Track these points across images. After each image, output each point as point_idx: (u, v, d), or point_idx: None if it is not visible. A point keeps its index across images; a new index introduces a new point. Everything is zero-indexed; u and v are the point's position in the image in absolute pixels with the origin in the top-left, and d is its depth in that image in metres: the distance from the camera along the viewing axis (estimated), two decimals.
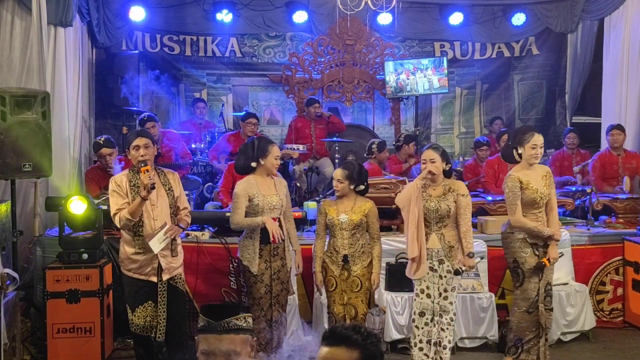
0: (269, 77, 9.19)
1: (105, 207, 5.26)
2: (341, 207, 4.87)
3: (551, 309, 4.98)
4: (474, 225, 5.74)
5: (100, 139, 6.21)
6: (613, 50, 8.25)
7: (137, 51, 8.56)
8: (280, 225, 4.79)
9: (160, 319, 4.50)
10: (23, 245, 5.61)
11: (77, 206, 5.14)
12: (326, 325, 5.01)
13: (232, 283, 5.66)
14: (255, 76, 9.34)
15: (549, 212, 4.91)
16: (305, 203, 6.49)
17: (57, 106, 6.06)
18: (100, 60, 8.18)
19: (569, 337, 5.71)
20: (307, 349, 2.71)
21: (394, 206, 4.85)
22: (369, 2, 6.52)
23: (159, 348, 4.50)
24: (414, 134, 8.71)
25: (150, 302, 4.50)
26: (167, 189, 4.58)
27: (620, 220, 6.43)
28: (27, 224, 5.81)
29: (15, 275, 4.64)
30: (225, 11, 8.63)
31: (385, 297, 5.45)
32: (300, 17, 8.83)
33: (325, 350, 1.96)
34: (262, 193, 4.72)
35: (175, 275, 4.59)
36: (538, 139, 4.82)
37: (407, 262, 4.93)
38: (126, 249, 4.51)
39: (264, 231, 4.70)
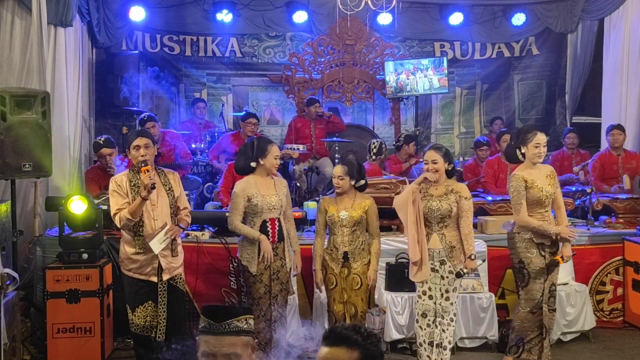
0: (269, 77, 9.19)
1: (105, 207, 5.26)
2: (341, 204, 4.87)
3: (554, 310, 4.98)
4: (474, 226, 5.73)
5: (100, 139, 6.22)
6: (613, 50, 8.24)
7: (137, 51, 8.55)
8: (280, 225, 4.80)
9: (161, 319, 4.50)
10: (23, 245, 5.61)
11: (77, 206, 5.15)
12: (326, 325, 5.01)
13: (232, 283, 5.66)
14: (255, 76, 9.33)
15: (556, 210, 4.91)
16: (305, 203, 6.50)
17: (57, 106, 6.06)
18: (100, 60, 8.17)
19: (569, 337, 5.71)
20: (307, 349, 2.70)
21: (393, 206, 4.85)
22: (369, 2, 6.52)
23: (159, 348, 4.50)
24: (414, 134, 8.71)
25: (150, 302, 4.51)
26: (168, 189, 4.59)
27: (620, 220, 6.43)
28: (27, 224, 5.81)
29: (15, 275, 4.65)
30: (225, 11, 8.63)
31: (385, 297, 5.44)
32: (300, 17, 8.82)
33: (325, 350, 1.96)
34: (261, 193, 4.72)
35: (176, 275, 4.60)
36: (541, 137, 4.82)
37: (407, 262, 4.93)
38: (126, 249, 4.52)
39: (264, 231, 4.71)
